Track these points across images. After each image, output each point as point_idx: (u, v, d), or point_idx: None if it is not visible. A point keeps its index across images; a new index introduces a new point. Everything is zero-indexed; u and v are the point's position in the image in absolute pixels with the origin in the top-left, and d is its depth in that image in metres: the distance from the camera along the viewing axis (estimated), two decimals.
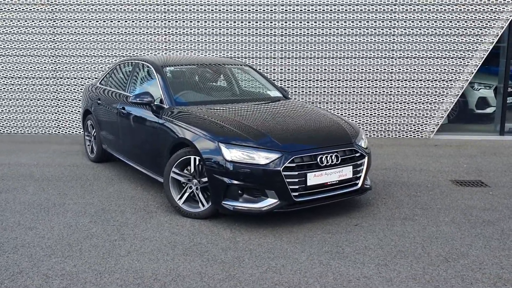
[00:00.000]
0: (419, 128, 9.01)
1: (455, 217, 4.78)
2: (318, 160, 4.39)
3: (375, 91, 8.91)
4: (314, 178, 4.35)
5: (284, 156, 4.28)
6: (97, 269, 3.57)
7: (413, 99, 8.92)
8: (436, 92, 8.86)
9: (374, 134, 9.06)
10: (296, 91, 8.98)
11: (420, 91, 8.89)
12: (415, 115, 8.97)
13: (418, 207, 5.06)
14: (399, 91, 8.90)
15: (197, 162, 4.53)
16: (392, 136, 9.08)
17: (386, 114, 8.98)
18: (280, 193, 4.26)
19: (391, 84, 8.88)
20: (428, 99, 8.90)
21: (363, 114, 8.99)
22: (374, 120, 9.00)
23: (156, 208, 4.96)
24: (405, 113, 8.97)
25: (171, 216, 4.69)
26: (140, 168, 5.64)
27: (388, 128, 9.03)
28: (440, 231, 4.40)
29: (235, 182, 4.27)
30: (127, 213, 4.81)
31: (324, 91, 8.95)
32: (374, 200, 5.28)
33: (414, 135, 9.04)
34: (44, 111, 9.20)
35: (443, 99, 8.87)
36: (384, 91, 8.91)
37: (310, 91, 8.96)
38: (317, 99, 8.97)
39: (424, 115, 8.95)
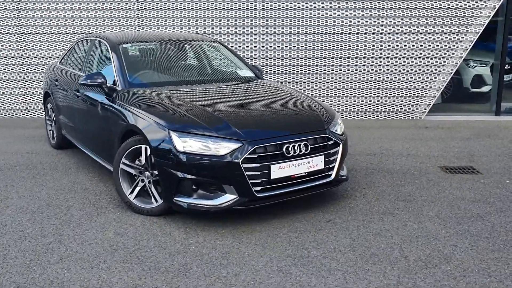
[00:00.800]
0: (409, 108, 8.45)
1: (441, 210, 4.28)
2: (284, 149, 3.85)
3: (363, 69, 8.32)
4: (279, 171, 3.82)
5: (244, 145, 3.74)
6: (16, 281, 3.06)
7: (403, 77, 8.33)
8: (428, 70, 8.27)
9: (361, 116, 8.49)
10: (278, 70, 8.39)
11: (411, 69, 8.29)
12: (405, 94, 8.39)
13: (400, 199, 4.55)
14: (388, 69, 8.31)
15: (148, 152, 4.00)
16: (380, 117, 8.52)
17: (375, 94, 8.40)
18: (240, 188, 3.74)
19: (380, 61, 8.28)
20: (420, 77, 8.31)
21: (350, 94, 8.41)
22: (361, 101, 8.43)
23: (107, 203, 4.44)
24: (394, 93, 8.39)
25: (122, 213, 4.18)
26: (95, 157, 5.11)
27: (376, 108, 8.46)
28: (422, 228, 3.90)
29: (189, 176, 3.75)
30: (74, 208, 4.30)
31: (308, 70, 8.35)
32: (352, 190, 4.77)
33: (404, 116, 8.48)
34: (11, 92, 8.61)
35: (436, 78, 8.29)
36: (372, 69, 8.31)
37: (294, 70, 8.37)
38: (301, 78, 8.38)
39: (415, 94, 8.37)
